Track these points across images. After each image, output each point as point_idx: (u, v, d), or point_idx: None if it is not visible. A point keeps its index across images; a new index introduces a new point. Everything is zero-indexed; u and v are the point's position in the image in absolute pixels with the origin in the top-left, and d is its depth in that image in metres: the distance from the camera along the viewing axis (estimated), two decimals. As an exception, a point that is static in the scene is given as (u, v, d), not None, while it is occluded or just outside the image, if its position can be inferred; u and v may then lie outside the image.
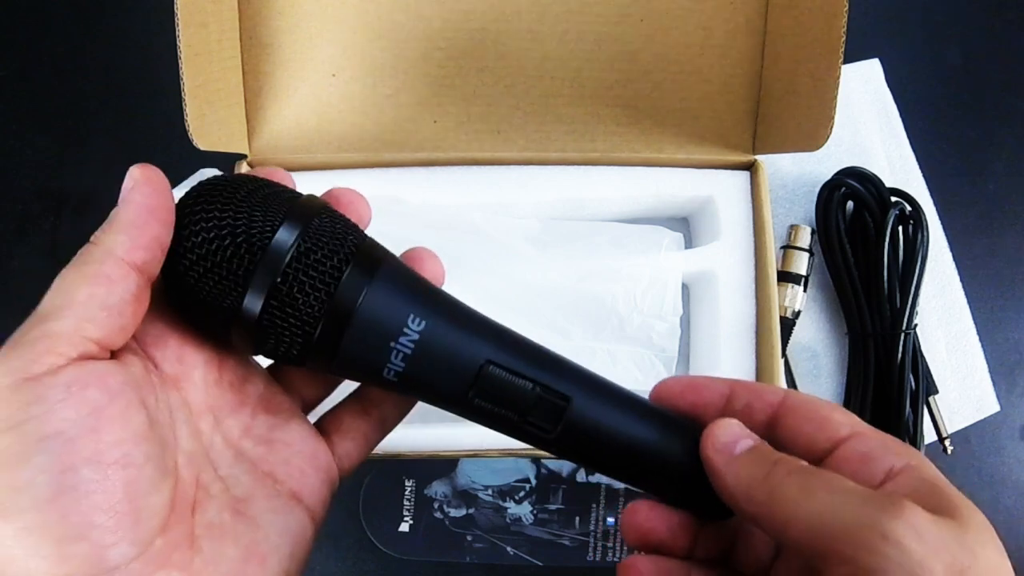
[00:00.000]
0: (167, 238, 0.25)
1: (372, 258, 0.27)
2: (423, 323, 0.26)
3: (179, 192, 0.27)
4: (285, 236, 0.25)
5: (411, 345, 0.26)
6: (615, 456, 0.28)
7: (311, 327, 0.26)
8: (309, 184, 0.30)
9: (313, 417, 0.32)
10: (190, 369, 0.27)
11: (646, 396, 0.29)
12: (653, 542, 0.28)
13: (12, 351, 0.22)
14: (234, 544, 0.26)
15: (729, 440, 0.26)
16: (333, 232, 0.26)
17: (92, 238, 0.24)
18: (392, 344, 0.26)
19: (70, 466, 0.21)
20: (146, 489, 0.23)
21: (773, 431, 0.27)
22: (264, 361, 0.30)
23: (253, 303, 0.25)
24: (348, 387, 0.32)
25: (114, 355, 0.25)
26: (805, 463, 0.25)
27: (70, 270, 0.24)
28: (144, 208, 0.25)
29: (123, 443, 0.23)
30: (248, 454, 0.28)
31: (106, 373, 0.23)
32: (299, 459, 0.29)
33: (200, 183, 0.27)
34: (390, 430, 0.32)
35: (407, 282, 0.27)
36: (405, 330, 0.26)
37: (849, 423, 0.26)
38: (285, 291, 0.25)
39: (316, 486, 0.29)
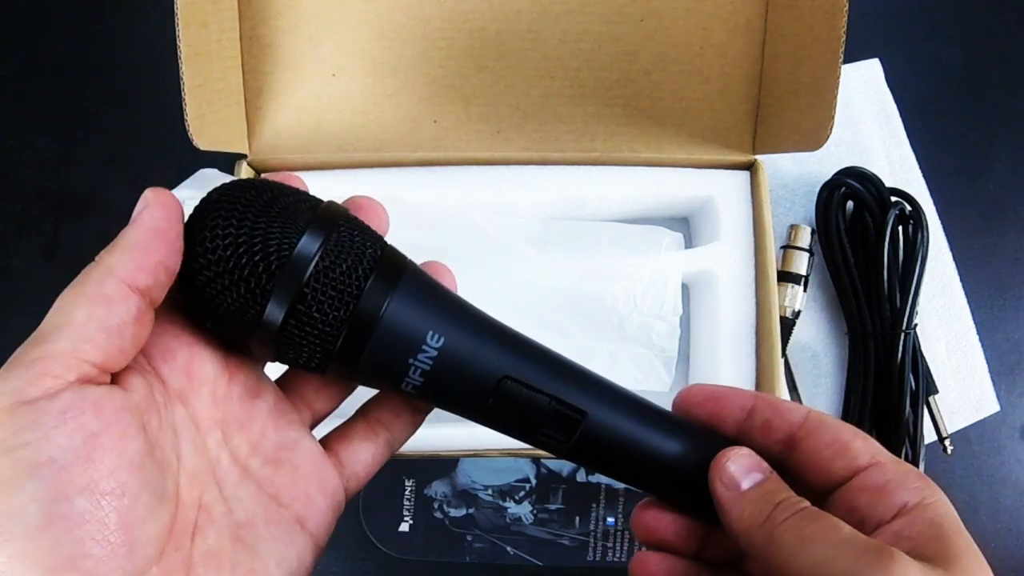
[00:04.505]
0: (174, 262, 0.25)
1: (392, 270, 0.27)
2: (442, 339, 0.26)
3: (180, 192, 0.27)
4: (305, 251, 0.25)
5: (430, 361, 0.26)
6: (628, 467, 0.28)
7: (331, 342, 0.26)
8: (310, 184, 0.30)
9: (321, 429, 0.31)
10: (198, 384, 0.27)
11: (646, 397, 0.29)
12: (663, 541, 0.29)
13: (9, 372, 0.22)
14: (230, 573, 0.25)
15: (739, 472, 0.27)
16: (352, 244, 0.26)
17: (96, 258, 0.24)
18: (411, 360, 0.26)
19: (62, 495, 0.21)
20: (141, 517, 0.23)
21: (791, 451, 0.27)
22: (273, 373, 0.30)
23: (273, 317, 0.25)
24: (357, 399, 0.32)
25: (116, 375, 0.24)
26: (807, 504, 0.25)
27: (70, 290, 0.23)
28: (152, 231, 0.24)
29: (118, 471, 0.22)
30: (255, 474, 0.28)
31: (103, 399, 0.23)
32: (305, 483, 0.28)
33: (217, 190, 0.26)
34: (396, 450, 0.32)
35: (426, 294, 0.27)
36: (424, 347, 0.26)
37: (869, 451, 0.26)
38: (304, 309, 0.25)
39: (322, 511, 0.29)
